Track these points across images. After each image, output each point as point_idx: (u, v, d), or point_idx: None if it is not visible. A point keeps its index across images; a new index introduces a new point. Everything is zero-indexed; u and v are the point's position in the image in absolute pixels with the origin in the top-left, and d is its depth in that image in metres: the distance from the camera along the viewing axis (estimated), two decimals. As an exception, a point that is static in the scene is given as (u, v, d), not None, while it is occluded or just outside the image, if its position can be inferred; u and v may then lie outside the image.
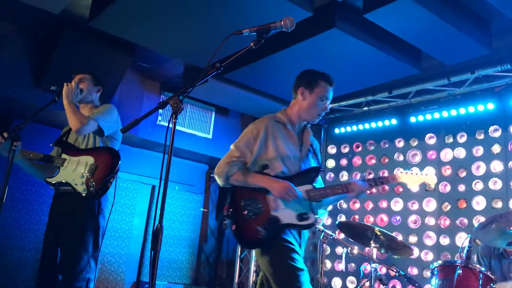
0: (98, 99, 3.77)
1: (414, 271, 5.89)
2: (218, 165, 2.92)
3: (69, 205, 3.35)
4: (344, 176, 7.08)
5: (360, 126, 6.93)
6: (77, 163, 3.42)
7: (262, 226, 2.75)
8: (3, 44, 5.28)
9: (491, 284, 3.53)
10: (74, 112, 3.36)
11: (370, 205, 6.62)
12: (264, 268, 2.75)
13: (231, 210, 2.87)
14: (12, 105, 5.63)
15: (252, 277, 7.14)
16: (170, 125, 2.15)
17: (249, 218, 2.78)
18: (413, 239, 6.06)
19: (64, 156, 3.50)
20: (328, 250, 6.69)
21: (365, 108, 6.75)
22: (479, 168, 5.68)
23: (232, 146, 2.93)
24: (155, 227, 2.01)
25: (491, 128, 5.64)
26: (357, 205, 6.78)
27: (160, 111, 6.71)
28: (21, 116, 5.74)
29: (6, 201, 3.03)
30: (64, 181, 3.40)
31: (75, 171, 3.40)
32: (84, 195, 3.31)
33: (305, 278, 2.70)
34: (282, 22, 2.28)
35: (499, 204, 5.37)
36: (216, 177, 2.95)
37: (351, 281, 6.50)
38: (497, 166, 5.52)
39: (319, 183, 3.00)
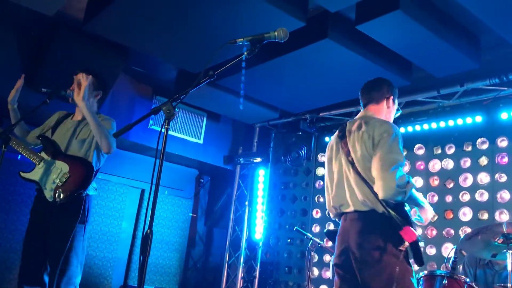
0: (96, 104, 3.64)
1: (400, 280, 5.92)
2: (399, 178, 2.63)
3: (60, 212, 3.28)
4: (333, 185, 7.11)
5: (350, 135, 6.97)
6: (52, 166, 3.37)
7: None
8: (-4, 44, 5.27)
9: (476, 295, 3.58)
10: (100, 125, 3.35)
11: (358, 214, 6.65)
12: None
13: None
14: (4, 106, 5.59)
15: (239, 283, 7.15)
16: (163, 130, 2.16)
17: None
18: (400, 248, 6.09)
19: (42, 154, 3.44)
20: (316, 257, 6.72)
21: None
22: (466, 180, 5.74)
23: (400, 157, 2.72)
24: (145, 232, 2.03)
25: (479, 140, 5.72)
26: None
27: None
28: (13, 117, 5.71)
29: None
30: (35, 180, 3.37)
31: (47, 174, 3.35)
32: (49, 201, 3.28)
33: None
34: (276, 33, 2.32)
35: (485, 216, 5.44)
36: (402, 192, 2.64)
37: (338, 289, 6.51)
38: (484, 178, 5.59)
39: None
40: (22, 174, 3.43)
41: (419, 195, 2.81)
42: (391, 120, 3.14)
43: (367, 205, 2.78)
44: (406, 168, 6.26)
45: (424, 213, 2.84)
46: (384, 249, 2.66)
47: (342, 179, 2.97)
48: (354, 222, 2.84)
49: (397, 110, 3.23)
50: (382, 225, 2.72)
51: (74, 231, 3.23)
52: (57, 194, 3.26)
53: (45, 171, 3.37)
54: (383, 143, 2.77)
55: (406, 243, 2.62)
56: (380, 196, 2.67)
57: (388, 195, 2.64)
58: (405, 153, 6.23)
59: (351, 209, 2.88)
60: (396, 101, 3.20)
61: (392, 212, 2.67)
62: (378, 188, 2.68)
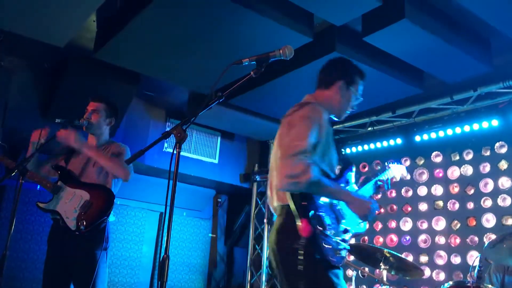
0: (108, 131, 3.69)
1: (426, 291, 5.81)
2: (293, 166, 2.17)
3: (82, 240, 3.28)
4: (351, 197, 7.04)
5: (366, 147, 6.92)
6: (72, 195, 3.37)
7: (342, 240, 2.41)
8: (11, 78, 5.38)
9: (504, 304, 3.48)
10: (108, 160, 3.40)
11: (379, 226, 6.58)
12: None
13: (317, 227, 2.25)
14: (20, 137, 5.70)
15: (262, 302, 7.06)
16: (175, 153, 2.17)
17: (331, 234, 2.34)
18: (424, 258, 5.99)
19: (60, 184, 3.44)
20: (338, 272, 6.62)
21: (369, 128, 6.76)
22: (487, 185, 5.64)
23: (301, 142, 2.25)
24: (161, 256, 2.02)
25: (497, 144, 5.63)
26: (366, 226, 6.73)
27: (166, 138, 6.76)
28: (30, 147, 5.80)
29: (15, 233, 3.04)
30: (55, 210, 3.35)
31: (68, 204, 3.35)
32: (73, 230, 3.26)
33: None
34: (281, 51, 2.31)
35: (509, 221, 5.32)
36: (295, 182, 2.17)
37: (363, 303, 6.41)
38: (505, 182, 5.48)
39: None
40: (40, 204, 3.42)
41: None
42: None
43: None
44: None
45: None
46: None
47: None
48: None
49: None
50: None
51: (98, 259, 3.24)
52: (80, 222, 3.24)
53: (65, 200, 3.37)
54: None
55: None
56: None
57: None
58: (422, 161, 6.22)
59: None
60: (355, 88, 2.72)
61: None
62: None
